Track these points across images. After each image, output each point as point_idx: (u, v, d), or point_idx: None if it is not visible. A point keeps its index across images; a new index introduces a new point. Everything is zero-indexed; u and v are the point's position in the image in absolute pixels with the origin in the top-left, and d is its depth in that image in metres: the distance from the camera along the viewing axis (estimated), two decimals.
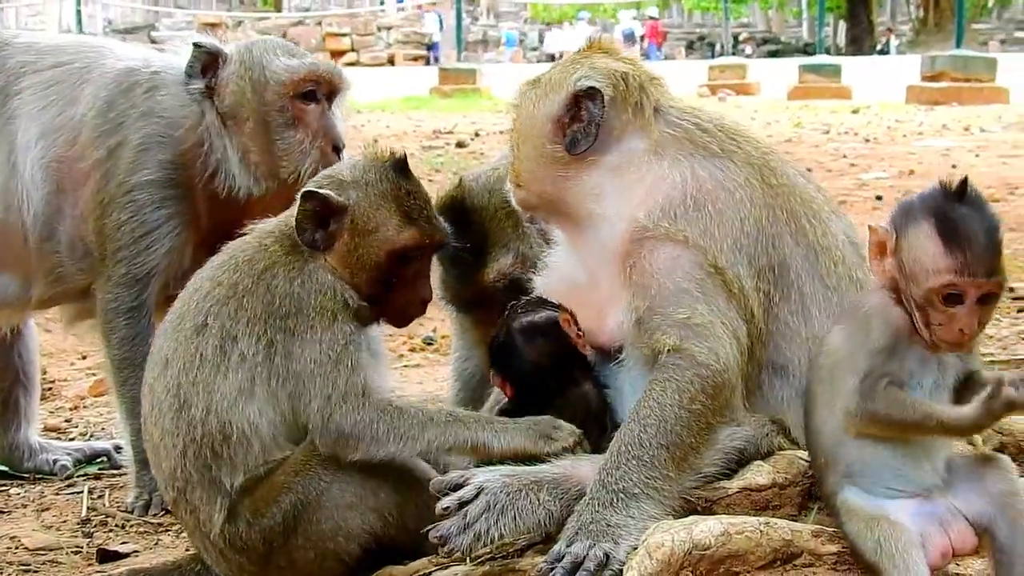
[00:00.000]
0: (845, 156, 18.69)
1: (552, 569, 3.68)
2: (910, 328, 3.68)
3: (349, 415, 4.04)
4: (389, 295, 4.29)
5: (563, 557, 3.70)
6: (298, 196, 4.19)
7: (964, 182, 3.62)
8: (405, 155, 4.32)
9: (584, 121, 4.29)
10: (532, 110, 4.41)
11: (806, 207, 4.40)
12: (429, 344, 8.63)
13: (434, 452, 4.08)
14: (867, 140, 21.65)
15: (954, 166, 16.84)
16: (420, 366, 8.24)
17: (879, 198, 13.61)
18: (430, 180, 15.41)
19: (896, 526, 3.57)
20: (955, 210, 3.59)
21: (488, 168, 5.08)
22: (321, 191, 4.18)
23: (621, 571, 3.65)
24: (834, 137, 22.44)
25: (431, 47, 69.78)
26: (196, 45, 5.59)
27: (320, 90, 5.58)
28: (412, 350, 8.64)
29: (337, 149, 5.50)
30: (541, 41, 75.95)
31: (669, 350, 4.06)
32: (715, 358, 4.05)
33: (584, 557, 3.69)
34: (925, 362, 3.70)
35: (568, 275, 4.52)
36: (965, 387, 3.70)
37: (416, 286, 4.34)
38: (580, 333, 4.36)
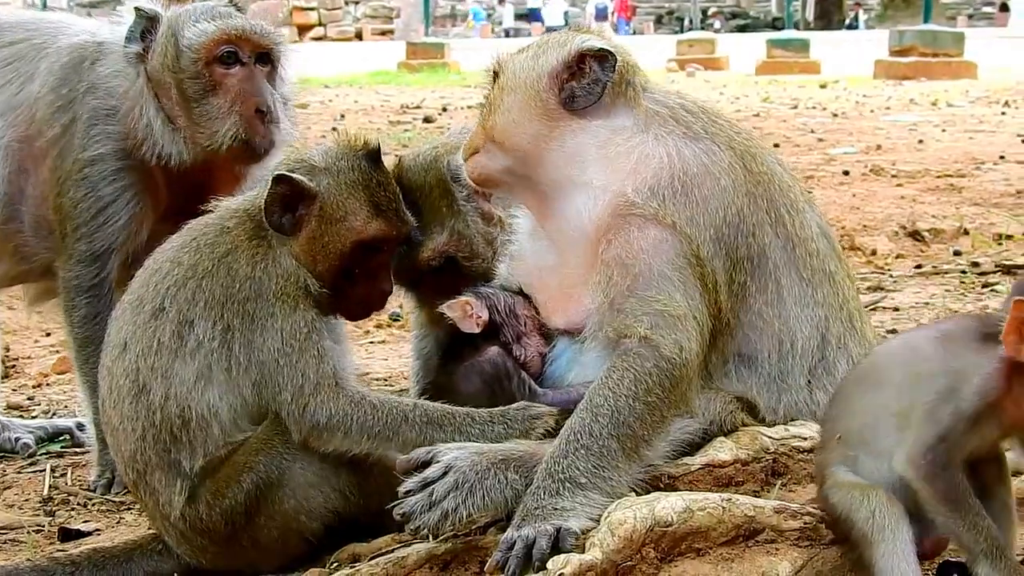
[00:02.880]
0: (813, 131, 18.71)
1: (506, 559, 3.66)
2: (999, 407, 3.51)
3: (323, 406, 4.03)
4: (350, 286, 4.26)
5: (515, 543, 3.69)
6: (268, 179, 4.16)
7: None
8: (378, 145, 4.29)
9: (588, 79, 4.26)
10: (526, 64, 4.36)
11: (784, 196, 4.41)
12: (395, 320, 8.57)
13: (408, 448, 4.02)
14: (835, 115, 21.69)
15: (921, 141, 16.90)
16: (386, 342, 8.18)
17: (846, 173, 13.63)
18: (397, 155, 15.32)
19: (892, 500, 3.54)
20: None
21: (428, 147, 5.05)
22: (293, 175, 4.14)
23: (573, 545, 3.64)
24: (802, 112, 22.49)
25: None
26: (137, 9, 5.47)
27: (243, 52, 5.38)
28: (378, 326, 8.58)
29: (262, 113, 5.31)
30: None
31: (637, 337, 4.04)
32: (678, 351, 4.03)
33: (535, 538, 3.67)
34: (992, 443, 3.63)
35: (533, 260, 4.53)
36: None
37: (378, 278, 4.32)
38: (536, 313, 4.47)
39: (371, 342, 8.15)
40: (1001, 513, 3.62)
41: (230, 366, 4.07)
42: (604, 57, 4.24)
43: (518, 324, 4.48)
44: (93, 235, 5.45)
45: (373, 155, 4.26)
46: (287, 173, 4.15)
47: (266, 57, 5.44)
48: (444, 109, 22.86)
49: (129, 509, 5.20)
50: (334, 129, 18.54)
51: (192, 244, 4.23)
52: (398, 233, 4.30)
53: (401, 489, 3.88)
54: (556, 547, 3.65)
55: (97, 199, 5.45)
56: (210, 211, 4.37)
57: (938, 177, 13.33)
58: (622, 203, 4.19)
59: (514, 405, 4.14)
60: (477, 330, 4.44)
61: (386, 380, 7.02)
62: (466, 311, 4.46)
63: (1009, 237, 10.18)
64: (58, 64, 5.59)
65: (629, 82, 4.33)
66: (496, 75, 4.44)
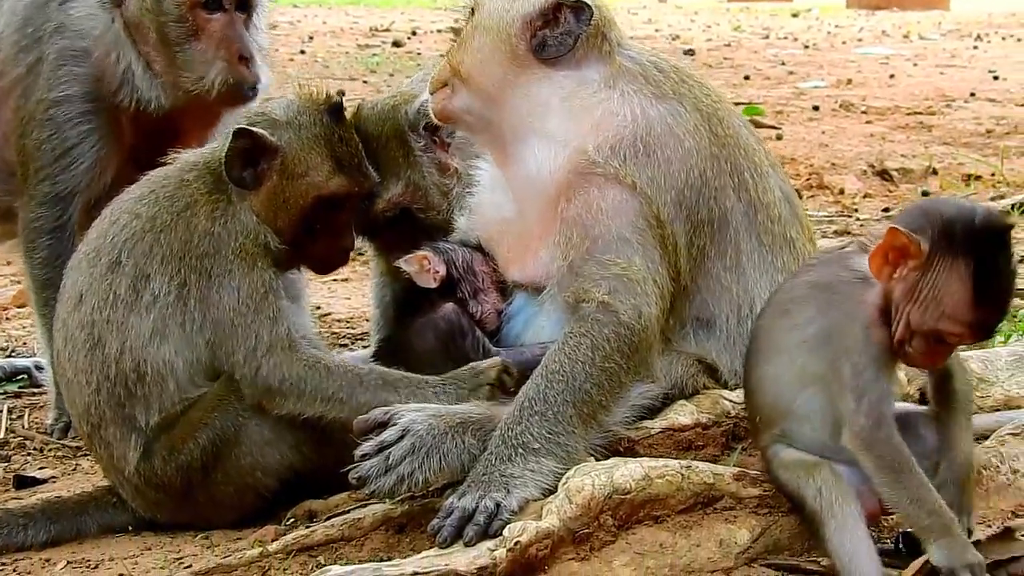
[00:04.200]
0: (784, 63, 18.61)
1: (441, 526, 3.64)
2: (888, 343, 3.57)
3: (276, 369, 4.03)
4: (311, 242, 4.24)
5: (452, 512, 3.66)
6: (229, 132, 4.12)
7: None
8: (341, 100, 4.26)
9: (560, 30, 4.19)
10: (503, 5, 4.28)
11: (749, 160, 4.36)
12: (360, 255, 8.36)
13: (364, 411, 3.98)
14: (806, 46, 21.60)
15: (892, 76, 16.82)
16: (348, 280, 8.05)
17: (816, 108, 13.56)
18: (364, 82, 15.25)
19: (836, 474, 3.57)
20: (995, 261, 3.46)
21: (386, 96, 4.98)
22: (254, 129, 4.10)
23: (509, 522, 3.61)
24: (773, 43, 22.38)
25: None
26: None
27: None
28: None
29: (245, 59, 5.27)
30: None
31: (595, 302, 4.01)
32: (637, 317, 4.00)
33: (474, 510, 3.65)
34: (893, 376, 3.66)
35: (493, 212, 4.48)
36: None
37: (340, 234, 4.29)
38: (494, 269, 4.44)
39: (333, 279, 8.00)
40: (962, 467, 3.65)
41: (185, 322, 4.07)
42: (581, 9, 4.18)
43: (475, 280, 4.46)
44: (56, 177, 5.38)
45: (335, 109, 4.22)
46: (248, 127, 4.11)
47: (245, 4, 5.39)
48: (413, 33, 22.60)
49: (85, 455, 5.14)
50: (302, 52, 18.67)
51: (151, 196, 4.19)
52: (360, 189, 4.27)
53: (357, 452, 3.85)
54: (491, 522, 3.64)
55: (62, 140, 5.36)
56: (169, 163, 4.33)
57: (908, 114, 13.28)
58: (583, 161, 4.14)
59: (465, 366, 4.12)
60: (434, 285, 4.42)
61: (348, 322, 6.94)
62: (423, 265, 4.42)
63: (978, 178, 10.15)
64: (21, 3, 5.49)
65: (604, 36, 4.25)
66: (472, 12, 4.38)
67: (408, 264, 4.43)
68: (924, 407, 3.85)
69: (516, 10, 4.23)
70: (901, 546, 3.65)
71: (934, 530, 3.42)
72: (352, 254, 4.36)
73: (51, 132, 5.38)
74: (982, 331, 3.56)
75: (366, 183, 4.29)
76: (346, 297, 7.64)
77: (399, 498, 3.92)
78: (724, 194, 4.26)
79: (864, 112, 13.54)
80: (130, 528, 4.32)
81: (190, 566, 3.90)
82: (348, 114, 4.40)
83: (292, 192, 4.17)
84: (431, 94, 4.42)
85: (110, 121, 5.45)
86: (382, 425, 3.89)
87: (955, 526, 3.44)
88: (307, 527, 4.01)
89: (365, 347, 5.73)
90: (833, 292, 3.64)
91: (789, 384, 3.67)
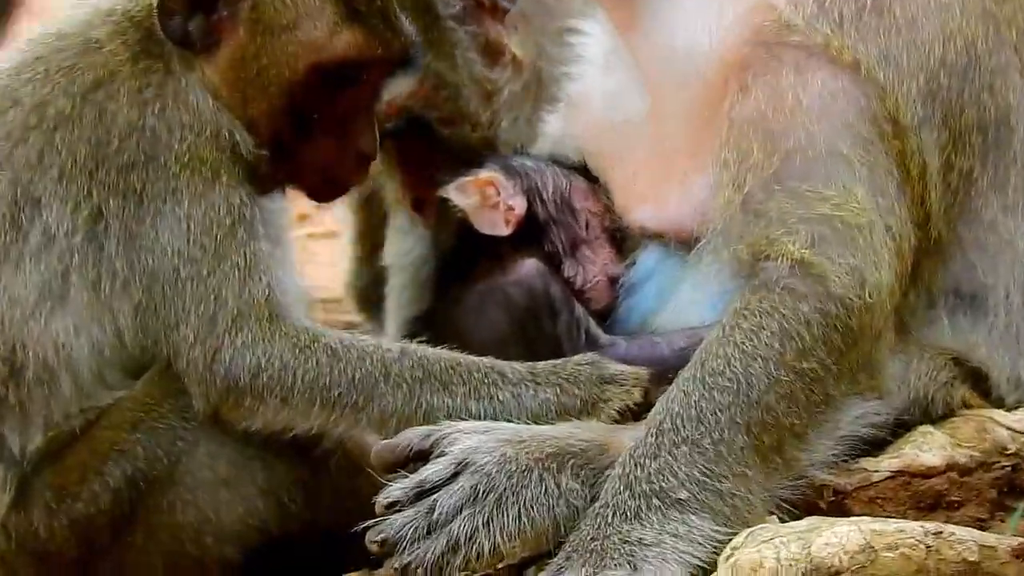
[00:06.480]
0: None
1: None
2: None
3: (248, 351, 3.35)
4: (305, 142, 3.52)
5: None
6: None
7: None
8: None
9: None
10: None
11: None
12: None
13: (392, 427, 3.37)
14: None
15: None
16: (335, 236, 6.95)
17: None
18: None
19: None
20: None
21: None
22: None
23: None
24: None
25: None
26: None
27: None
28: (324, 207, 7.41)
29: None
30: None
31: (787, 260, 3.30)
32: (858, 287, 3.29)
33: None
34: None
35: (609, 109, 3.81)
36: None
37: (353, 131, 3.54)
38: (608, 208, 3.78)
39: (309, 235, 7.04)
40: None
41: (99, 277, 3.35)
42: None
43: (575, 223, 3.78)
44: None
45: None
46: None
47: None
48: None
49: None
50: None
51: (39, 69, 3.44)
52: (386, 52, 3.44)
53: (381, 499, 3.17)
54: None
55: None
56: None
57: None
58: (769, 23, 3.42)
59: (576, 358, 3.43)
60: (507, 231, 3.72)
61: (337, 302, 6.04)
62: (487, 197, 3.70)
63: None
64: None
65: None
66: None
67: (463, 193, 3.69)
68: None
69: None
70: None
71: None
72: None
73: None
74: None
75: (396, 41, 3.45)
76: (330, 263, 6.55)
77: None
78: (1006, 82, 3.53)
79: None
80: None
81: None
82: None
83: (272, 56, 3.41)
84: None
85: None
86: (422, 454, 3.25)
87: None
88: None
89: None
90: None
91: None
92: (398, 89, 3.93)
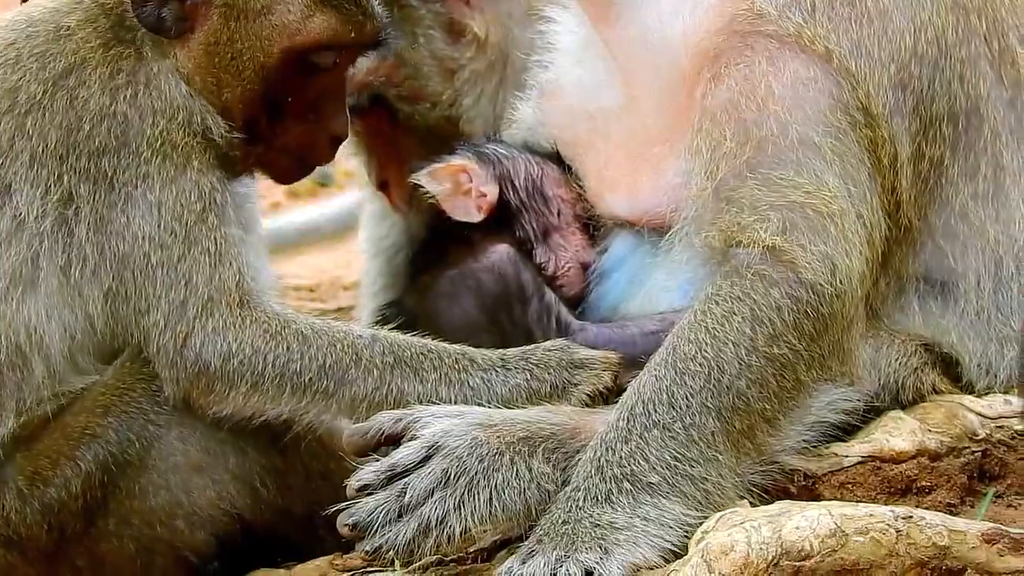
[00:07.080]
0: None
1: None
2: None
3: (218, 337, 3.39)
4: (279, 127, 3.55)
5: None
6: None
7: None
8: None
9: None
10: None
11: (1017, 16, 3.72)
12: (323, 186, 7.65)
13: (362, 412, 3.41)
14: None
15: None
16: None
17: None
18: None
19: None
20: None
21: None
22: None
23: None
24: None
25: None
26: None
27: None
28: (294, 195, 7.48)
29: None
30: None
31: (759, 247, 3.33)
32: (828, 274, 3.32)
33: None
34: None
35: (581, 97, 3.83)
36: None
37: (325, 114, 3.59)
38: (579, 195, 3.80)
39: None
40: None
41: (69, 263, 3.39)
42: None
43: (547, 211, 3.82)
44: None
45: None
46: None
47: None
48: None
49: None
50: None
51: (10, 55, 3.49)
52: (359, 35, 3.52)
53: (352, 482, 3.20)
54: None
55: None
56: None
57: None
58: (742, 12, 3.45)
59: (546, 344, 3.48)
60: (478, 217, 3.77)
61: (311, 290, 6.10)
62: (459, 182, 3.75)
63: None
64: None
65: None
66: None
67: (435, 180, 3.73)
68: None
69: None
70: None
71: None
72: (311, 182, 3.86)
73: None
74: None
75: (368, 25, 3.52)
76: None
77: (421, 562, 3.31)
78: (976, 70, 3.57)
79: None
80: None
81: None
82: None
83: (246, 41, 3.47)
84: None
85: None
86: (393, 438, 3.27)
87: None
88: None
89: None
90: None
91: None
92: (358, 65, 3.94)
